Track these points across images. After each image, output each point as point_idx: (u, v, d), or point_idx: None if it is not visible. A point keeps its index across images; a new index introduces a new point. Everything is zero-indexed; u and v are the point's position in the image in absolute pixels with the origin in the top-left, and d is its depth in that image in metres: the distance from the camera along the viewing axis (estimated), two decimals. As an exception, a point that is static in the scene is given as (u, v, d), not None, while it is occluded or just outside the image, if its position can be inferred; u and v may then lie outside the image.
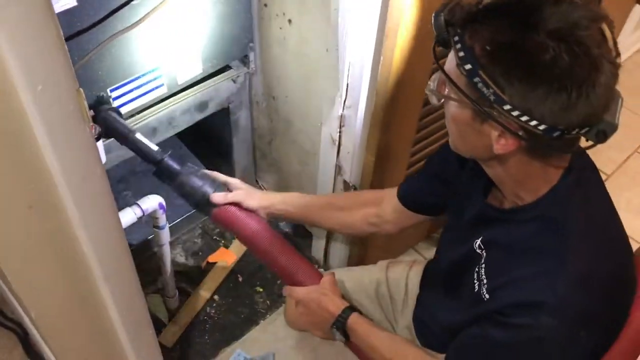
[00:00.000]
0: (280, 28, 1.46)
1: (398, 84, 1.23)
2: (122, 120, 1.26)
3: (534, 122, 0.74)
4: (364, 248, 1.70)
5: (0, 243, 0.67)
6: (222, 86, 1.58)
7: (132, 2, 1.18)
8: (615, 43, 0.74)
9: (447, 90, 0.83)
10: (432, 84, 0.85)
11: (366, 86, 1.28)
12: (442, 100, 0.85)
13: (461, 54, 0.75)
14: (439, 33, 0.79)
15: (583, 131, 0.76)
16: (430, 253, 1.90)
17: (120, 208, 1.32)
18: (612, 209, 0.93)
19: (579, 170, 0.86)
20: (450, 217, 1.12)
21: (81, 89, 0.65)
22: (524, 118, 0.73)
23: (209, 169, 1.99)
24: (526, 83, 0.72)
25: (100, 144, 1.16)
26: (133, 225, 1.35)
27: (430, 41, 1.19)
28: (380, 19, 1.16)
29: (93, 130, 1.13)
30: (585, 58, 0.71)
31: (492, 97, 0.74)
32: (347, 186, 1.55)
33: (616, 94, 0.77)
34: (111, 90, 1.29)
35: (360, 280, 1.33)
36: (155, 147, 1.24)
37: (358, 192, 1.41)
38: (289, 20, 1.42)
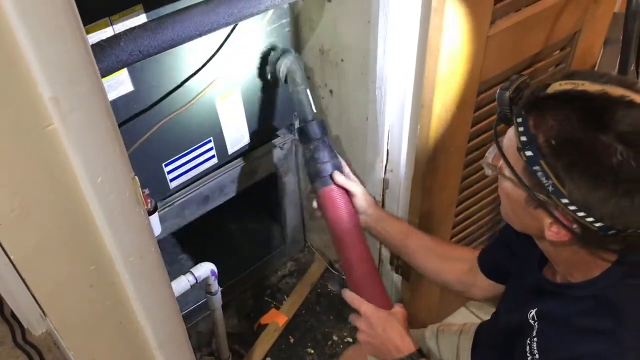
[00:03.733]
0: (322, 98, 1.53)
1: (436, 150, 1.26)
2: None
3: (590, 219, 0.72)
4: (415, 305, 1.69)
5: (64, 320, 0.74)
6: (269, 153, 1.65)
7: (185, 84, 1.28)
8: None
9: (501, 163, 0.82)
10: (489, 156, 0.85)
11: (405, 152, 1.32)
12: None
13: (523, 138, 0.74)
14: (501, 110, 0.79)
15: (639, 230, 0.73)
16: (482, 312, 1.87)
17: (176, 272, 1.39)
18: None
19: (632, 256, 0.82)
20: (512, 277, 1.10)
21: (136, 177, 0.71)
22: (581, 214, 0.72)
23: (260, 230, 2.07)
24: (589, 182, 0.69)
25: (155, 216, 1.23)
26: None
27: (466, 111, 1.24)
28: (415, 89, 1.21)
29: (148, 205, 1.22)
30: None
31: (550, 188, 0.72)
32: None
33: None
34: (165, 165, 1.37)
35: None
36: (313, 109, 1.30)
37: (457, 246, 1.34)
38: (330, 91, 1.49)
